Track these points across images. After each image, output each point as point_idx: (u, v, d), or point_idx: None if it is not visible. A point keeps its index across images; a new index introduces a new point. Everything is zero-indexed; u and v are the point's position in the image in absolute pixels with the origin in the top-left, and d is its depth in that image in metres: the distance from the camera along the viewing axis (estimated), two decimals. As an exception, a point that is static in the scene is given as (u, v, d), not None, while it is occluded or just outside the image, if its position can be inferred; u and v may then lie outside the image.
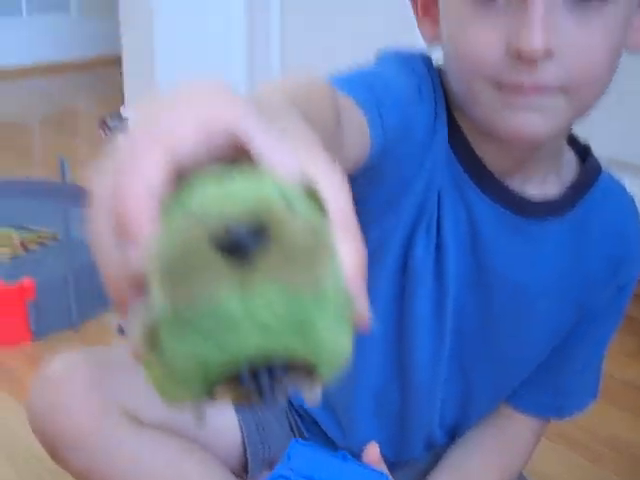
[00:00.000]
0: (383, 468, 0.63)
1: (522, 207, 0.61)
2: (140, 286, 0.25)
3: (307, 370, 0.25)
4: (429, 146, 0.57)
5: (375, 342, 0.66)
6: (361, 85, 0.50)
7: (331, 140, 0.39)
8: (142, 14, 1.77)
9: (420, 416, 0.70)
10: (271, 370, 0.24)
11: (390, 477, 0.62)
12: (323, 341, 0.25)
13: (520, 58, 0.50)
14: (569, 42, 0.50)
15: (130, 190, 0.25)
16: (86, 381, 0.64)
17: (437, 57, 0.59)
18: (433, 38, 0.58)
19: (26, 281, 1.17)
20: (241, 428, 0.73)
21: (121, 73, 1.92)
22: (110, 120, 1.71)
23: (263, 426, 0.73)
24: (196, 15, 1.80)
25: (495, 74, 0.52)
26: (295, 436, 0.75)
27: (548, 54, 0.50)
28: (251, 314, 0.23)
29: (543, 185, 0.62)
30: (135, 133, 0.26)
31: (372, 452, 0.64)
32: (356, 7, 1.58)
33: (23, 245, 1.48)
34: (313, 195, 0.26)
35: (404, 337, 0.65)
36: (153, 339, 0.25)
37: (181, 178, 0.26)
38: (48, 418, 0.64)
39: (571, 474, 0.95)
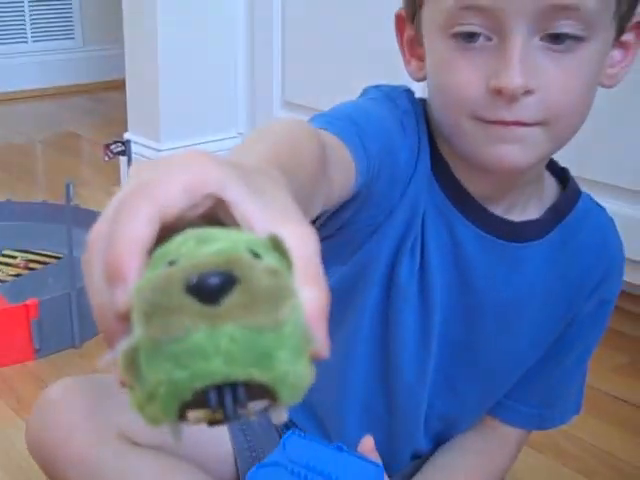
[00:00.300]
0: (377, 459, 0.64)
1: (505, 231, 0.64)
2: (125, 322, 0.29)
3: (268, 395, 0.29)
4: (412, 175, 0.60)
5: (362, 358, 0.68)
6: (343, 120, 0.52)
7: (317, 181, 0.42)
8: (147, 40, 1.81)
9: (407, 427, 0.71)
10: (235, 394, 0.28)
11: (383, 467, 0.63)
12: (281, 371, 0.28)
13: (500, 95, 0.53)
14: (546, 80, 0.53)
15: (122, 242, 0.29)
16: (84, 403, 0.67)
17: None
18: (419, 76, 0.61)
19: (30, 300, 1.20)
20: (233, 447, 0.74)
21: (124, 98, 1.96)
22: (113, 144, 1.74)
23: (254, 444, 0.75)
24: (200, 42, 1.84)
25: (477, 110, 0.55)
26: None
27: (527, 92, 0.52)
28: (217, 346, 0.27)
29: (525, 210, 0.65)
30: (130, 191, 0.30)
31: (367, 443, 0.65)
32: (357, 18, 1.62)
33: (26, 265, 1.51)
34: (279, 247, 0.30)
35: (391, 353, 0.67)
36: (133, 366, 0.29)
37: (168, 229, 0.30)
38: (48, 436, 0.67)
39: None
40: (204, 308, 0.27)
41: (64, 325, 1.24)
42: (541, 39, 0.53)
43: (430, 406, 0.70)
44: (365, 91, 0.62)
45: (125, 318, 0.29)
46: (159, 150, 1.84)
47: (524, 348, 0.70)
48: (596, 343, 0.74)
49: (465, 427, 0.75)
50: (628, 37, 0.58)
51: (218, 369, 0.28)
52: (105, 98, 2.86)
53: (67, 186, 1.25)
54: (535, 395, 0.74)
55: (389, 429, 0.71)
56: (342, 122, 0.52)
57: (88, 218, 1.52)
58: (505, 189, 0.63)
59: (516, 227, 0.64)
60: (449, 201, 0.62)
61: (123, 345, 0.29)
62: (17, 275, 1.47)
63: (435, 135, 0.61)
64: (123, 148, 1.72)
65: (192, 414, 0.29)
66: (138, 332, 0.28)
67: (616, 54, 0.58)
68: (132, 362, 0.29)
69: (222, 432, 0.74)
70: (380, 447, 0.71)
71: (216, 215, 0.32)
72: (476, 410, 0.74)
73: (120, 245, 0.29)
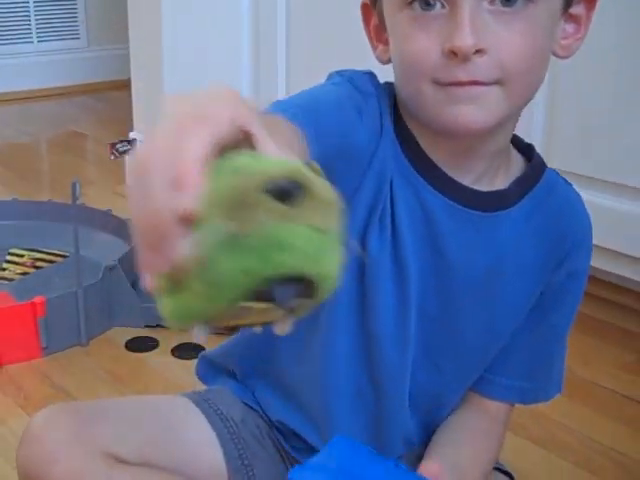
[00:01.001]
0: None
1: (473, 201, 0.66)
2: (185, 224, 0.34)
3: (310, 292, 0.35)
4: (374, 151, 0.63)
5: (343, 335, 0.68)
6: (296, 108, 0.55)
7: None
8: (152, 40, 1.82)
9: (393, 406, 0.71)
10: (286, 289, 0.34)
11: None
12: (328, 270, 0.35)
13: (455, 57, 0.56)
14: (497, 40, 0.57)
15: (190, 155, 0.35)
16: (69, 428, 0.67)
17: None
18: (385, 58, 0.65)
19: (37, 298, 1.20)
20: (224, 458, 0.74)
21: (130, 97, 1.96)
22: (119, 144, 1.75)
23: (245, 453, 0.75)
24: (205, 42, 1.85)
25: (435, 74, 0.58)
26: (281, 456, 0.77)
27: (479, 51, 0.56)
28: (287, 240, 0.33)
29: (493, 181, 0.67)
30: (186, 118, 0.37)
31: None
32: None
33: (33, 264, 1.52)
34: (317, 172, 0.36)
35: (371, 327, 0.68)
36: (201, 259, 0.33)
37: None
38: (33, 468, 0.67)
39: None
40: (279, 206, 0.33)
41: (71, 323, 1.24)
42: (490, 3, 0.57)
43: (413, 381, 0.70)
44: (329, 76, 0.66)
45: (187, 221, 0.34)
46: (164, 149, 1.85)
47: (500, 319, 0.71)
48: (571, 319, 0.74)
49: (450, 405, 0.75)
50: (579, 10, 0.62)
51: (288, 261, 0.33)
52: (111, 98, 2.87)
53: (73, 185, 1.25)
54: (514, 367, 0.74)
55: (376, 410, 0.71)
56: (295, 109, 0.55)
57: (94, 217, 1.53)
58: (471, 158, 0.65)
59: (484, 197, 0.66)
60: (417, 172, 0.65)
61: (188, 242, 0.33)
62: (24, 273, 1.48)
63: (402, 113, 0.64)
64: (129, 147, 1.73)
65: (247, 306, 0.34)
66: (214, 227, 0.33)
67: (568, 27, 0.62)
68: (200, 255, 0.33)
69: (213, 443, 0.74)
70: (371, 434, 0.71)
71: (238, 147, 0.37)
72: (459, 385, 0.74)
73: (189, 157, 0.35)
